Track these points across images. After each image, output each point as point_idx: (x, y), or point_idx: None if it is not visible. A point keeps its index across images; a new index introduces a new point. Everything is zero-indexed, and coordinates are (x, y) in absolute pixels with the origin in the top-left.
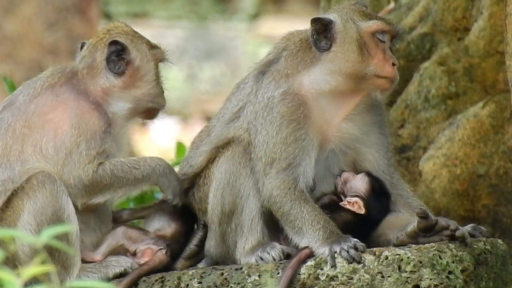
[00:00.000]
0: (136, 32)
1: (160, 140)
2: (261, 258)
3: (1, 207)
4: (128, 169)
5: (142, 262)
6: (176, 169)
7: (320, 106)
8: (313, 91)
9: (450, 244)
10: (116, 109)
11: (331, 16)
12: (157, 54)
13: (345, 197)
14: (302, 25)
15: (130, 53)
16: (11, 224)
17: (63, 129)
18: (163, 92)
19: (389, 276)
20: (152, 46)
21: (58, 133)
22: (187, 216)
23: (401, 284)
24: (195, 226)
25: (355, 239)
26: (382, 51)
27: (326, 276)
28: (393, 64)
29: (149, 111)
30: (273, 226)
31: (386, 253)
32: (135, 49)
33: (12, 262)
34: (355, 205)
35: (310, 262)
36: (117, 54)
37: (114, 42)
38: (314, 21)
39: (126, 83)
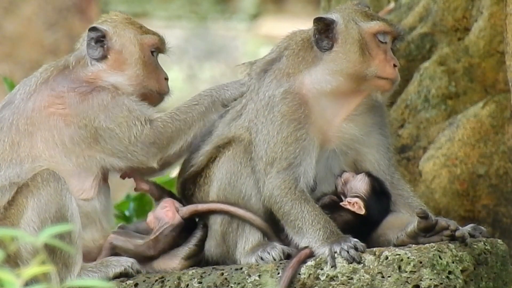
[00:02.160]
0: (128, 19)
1: None
2: (261, 258)
3: (5, 204)
4: (186, 108)
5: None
6: (177, 169)
7: (321, 106)
8: (314, 90)
9: (450, 244)
10: (116, 81)
11: (333, 16)
12: (146, 39)
13: (346, 197)
14: (302, 25)
15: (111, 39)
16: (15, 222)
17: (72, 120)
18: (157, 77)
19: (389, 276)
20: (145, 32)
21: (69, 124)
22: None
23: (401, 284)
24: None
25: (355, 239)
26: (384, 52)
27: (326, 276)
28: (394, 65)
29: (150, 97)
30: (273, 226)
31: (386, 253)
32: (116, 34)
33: (14, 260)
34: (355, 205)
35: (310, 262)
36: (97, 40)
37: (92, 29)
38: (317, 21)
39: (113, 66)
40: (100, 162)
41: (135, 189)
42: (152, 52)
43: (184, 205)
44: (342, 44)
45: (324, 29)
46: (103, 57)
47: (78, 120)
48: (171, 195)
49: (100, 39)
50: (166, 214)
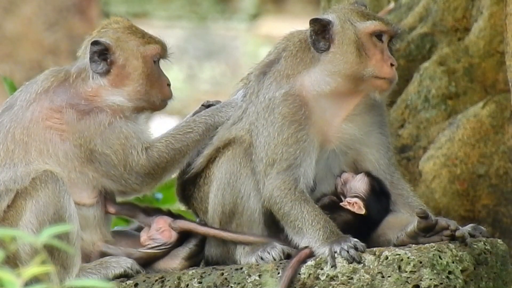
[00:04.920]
0: (130, 28)
1: None
2: (261, 258)
3: (4, 208)
4: (181, 137)
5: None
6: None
7: (321, 107)
8: (314, 92)
9: (450, 244)
10: (113, 102)
11: (329, 16)
12: (148, 51)
13: (345, 197)
14: (302, 25)
15: (114, 53)
16: (13, 224)
17: (68, 137)
18: (159, 86)
19: (389, 276)
20: (147, 42)
21: (64, 140)
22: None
23: (401, 284)
24: None
25: (355, 239)
26: (380, 51)
27: (326, 276)
28: (392, 65)
29: (152, 105)
30: (273, 226)
31: (386, 253)
32: (119, 48)
33: (13, 261)
34: (355, 205)
35: (310, 262)
36: (100, 53)
37: (95, 43)
38: (313, 22)
39: (114, 82)
40: (93, 182)
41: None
42: (154, 61)
43: (172, 214)
44: (338, 45)
45: (321, 30)
46: (107, 72)
47: (73, 139)
48: (152, 210)
49: (103, 52)
50: (163, 234)
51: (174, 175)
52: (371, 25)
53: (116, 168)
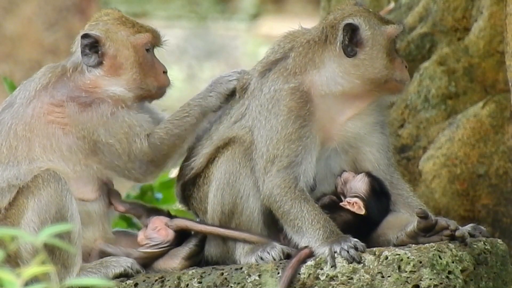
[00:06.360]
0: (120, 19)
1: None
2: (261, 258)
3: (6, 205)
4: (179, 121)
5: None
6: (176, 170)
7: (327, 105)
8: (322, 91)
9: (450, 244)
10: (114, 92)
11: (355, 20)
12: (139, 40)
13: (345, 197)
14: (302, 24)
15: (105, 44)
16: (15, 222)
17: (71, 130)
18: (155, 74)
19: (389, 276)
20: (137, 31)
21: (67, 133)
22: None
23: (401, 284)
24: None
25: (355, 239)
26: (397, 54)
27: (326, 276)
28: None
29: (151, 94)
30: (273, 226)
31: (386, 253)
32: (109, 39)
33: (15, 260)
34: (355, 205)
35: (310, 262)
36: (91, 46)
37: (85, 36)
38: (346, 27)
39: (109, 72)
40: (97, 173)
41: (115, 209)
42: (147, 49)
43: (170, 214)
44: (369, 50)
45: (351, 35)
46: (99, 63)
47: (76, 131)
48: (154, 210)
49: (94, 45)
50: (159, 233)
51: (175, 166)
52: (393, 30)
53: (120, 158)
